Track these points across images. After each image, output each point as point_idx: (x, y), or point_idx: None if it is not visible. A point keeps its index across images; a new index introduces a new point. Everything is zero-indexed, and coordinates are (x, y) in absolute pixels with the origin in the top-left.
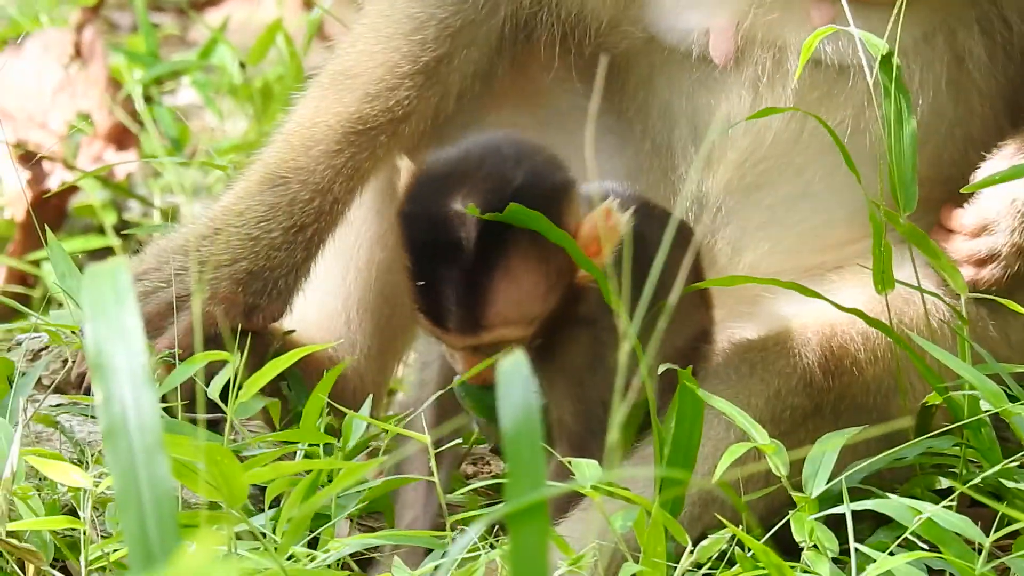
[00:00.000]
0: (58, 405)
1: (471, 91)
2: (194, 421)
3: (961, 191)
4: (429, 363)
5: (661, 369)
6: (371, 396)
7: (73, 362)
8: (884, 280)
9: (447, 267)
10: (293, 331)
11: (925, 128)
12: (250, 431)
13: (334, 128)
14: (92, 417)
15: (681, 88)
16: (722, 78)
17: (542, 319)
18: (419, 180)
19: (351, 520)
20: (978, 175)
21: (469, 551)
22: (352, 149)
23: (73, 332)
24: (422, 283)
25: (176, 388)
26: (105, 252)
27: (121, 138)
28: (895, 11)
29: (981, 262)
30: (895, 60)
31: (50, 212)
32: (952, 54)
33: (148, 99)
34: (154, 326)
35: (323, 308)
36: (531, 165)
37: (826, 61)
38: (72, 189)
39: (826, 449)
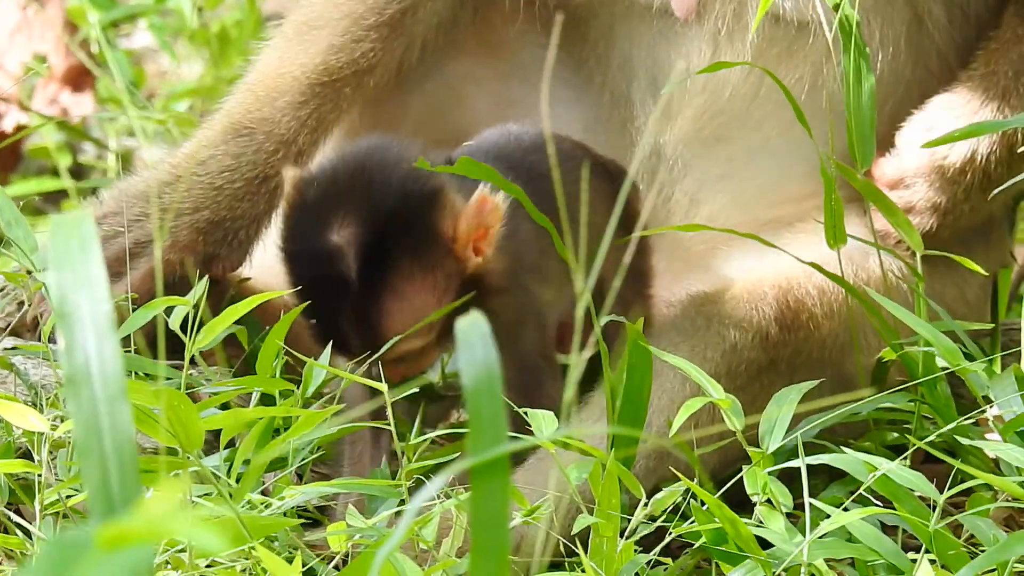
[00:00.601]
0: (13, 348)
1: (434, 42)
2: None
3: (922, 146)
4: None
5: (604, 321)
6: (331, 344)
7: (30, 305)
8: (836, 235)
9: (337, 300)
10: (249, 279)
11: (884, 88)
12: (205, 379)
13: (299, 79)
14: (46, 360)
15: (641, 40)
16: (682, 31)
17: (442, 322)
18: (296, 213)
19: (305, 467)
20: (907, 125)
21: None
22: (317, 101)
23: (29, 273)
24: (315, 319)
25: (130, 335)
26: (60, 194)
27: (77, 80)
28: None
29: None
30: (854, 15)
31: (5, 153)
32: (912, 13)
33: (103, 42)
34: (113, 271)
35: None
36: (399, 180)
37: (785, 17)
38: (27, 130)
39: (782, 405)
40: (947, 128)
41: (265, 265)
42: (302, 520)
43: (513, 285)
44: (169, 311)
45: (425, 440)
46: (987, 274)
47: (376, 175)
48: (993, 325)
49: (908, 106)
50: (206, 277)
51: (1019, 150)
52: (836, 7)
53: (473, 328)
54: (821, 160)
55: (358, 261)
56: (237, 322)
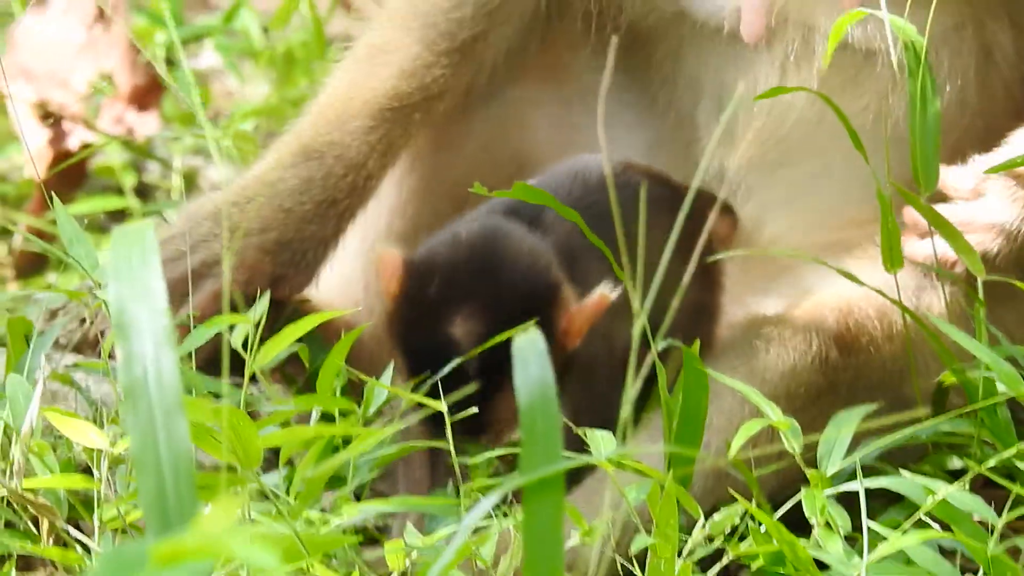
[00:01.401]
0: (74, 364)
1: (502, 68)
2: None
3: (984, 172)
4: None
5: (661, 346)
6: (392, 363)
7: (91, 323)
8: (893, 259)
9: (450, 390)
10: (309, 299)
11: (949, 119)
12: (266, 398)
13: (369, 104)
14: (107, 377)
15: (708, 62)
16: (750, 55)
17: None
18: (415, 303)
19: (364, 486)
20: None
21: (482, 520)
22: (387, 125)
23: (90, 291)
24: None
25: (191, 353)
26: (123, 214)
27: (143, 99)
28: None
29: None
30: (922, 40)
31: (71, 171)
32: (980, 45)
33: (170, 62)
34: (178, 292)
35: (341, 273)
36: (522, 276)
37: (853, 45)
38: (93, 148)
39: (841, 428)
40: None
41: (326, 284)
42: (360, 539)
43: (598, 353)
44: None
45: (488, 459)
46: None
47: (502, 271)
48: None
49: (973, 137)
50: (267, 294)
51: None
52: (903, 35)
53: (529, 346)
54: (877, 184)
55: (479, 361)
56: (299, 340)
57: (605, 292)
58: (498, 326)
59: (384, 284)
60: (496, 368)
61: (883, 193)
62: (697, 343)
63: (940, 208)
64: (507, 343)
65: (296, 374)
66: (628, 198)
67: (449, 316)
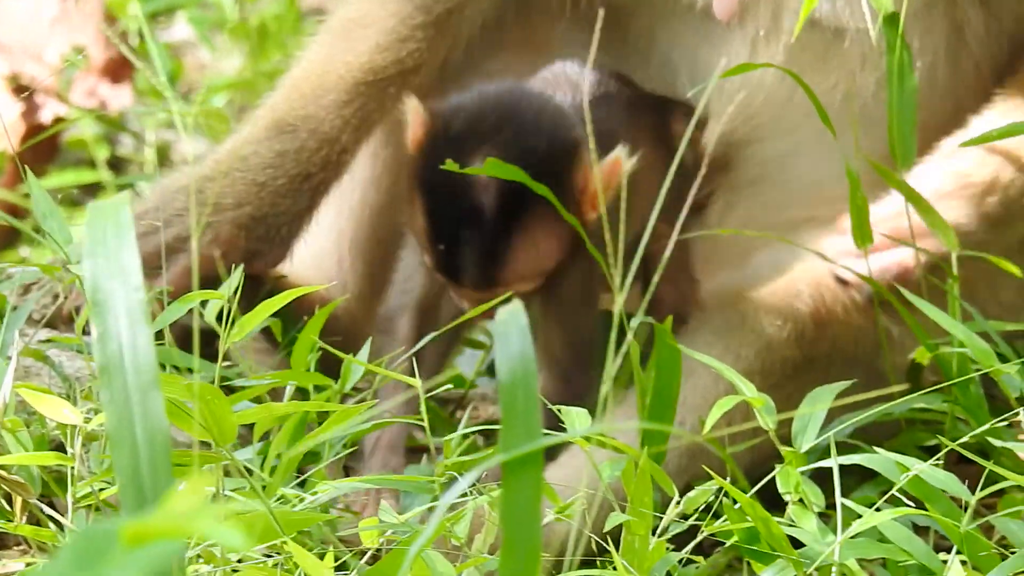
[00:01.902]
0: (47, 340)
1: (478, 42)
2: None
3: (959, 145)
4: (411, 276)
5: (635, 323)
6: (369, 340)
7: (65, 298)
8: (863, 234)
9: (467, 231)
10: (285, 275)
11: (918, 98)
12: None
13: (344, 78)
14: (81, 352)
15: (682, 40)
16: (724, 33)
17: (553, 269)
18: (435, 142)
19: (339, 462)
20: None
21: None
22: (362, 99)
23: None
24: (441, 246)
25: (164, 329)
26: (97, 187)
27: (116, 73)
28: None
29: None
30: (901, 13)
31: (43, 145)
32: (951, 23)
33: (143, 35)
34: (152, 266)
35: (315, 247)
36: (547, 127)
37: (822, 23)
38: (65, 122)
39: (816, 405)
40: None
41: (300, 258)
42: (334, 516)
43: (582, 255)
44: (205, 306)
45: (461, 435)
46: (1021, 275)
47: (526, 119)
48: None
49: (939, 116)
50: (240, 269)
51: None
52: (882, 7)
53: (510, 320)
54: (846, 160)
55: (498, 198)
56: (274, 315)
57: (620, 155)
58: (522, 169)
59: (410, 132)
60: (516, 212)
61: (851, 169)
62: (670, 319)
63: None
64: (526, 187)
65: (271, 350)
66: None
67: (472, 159)
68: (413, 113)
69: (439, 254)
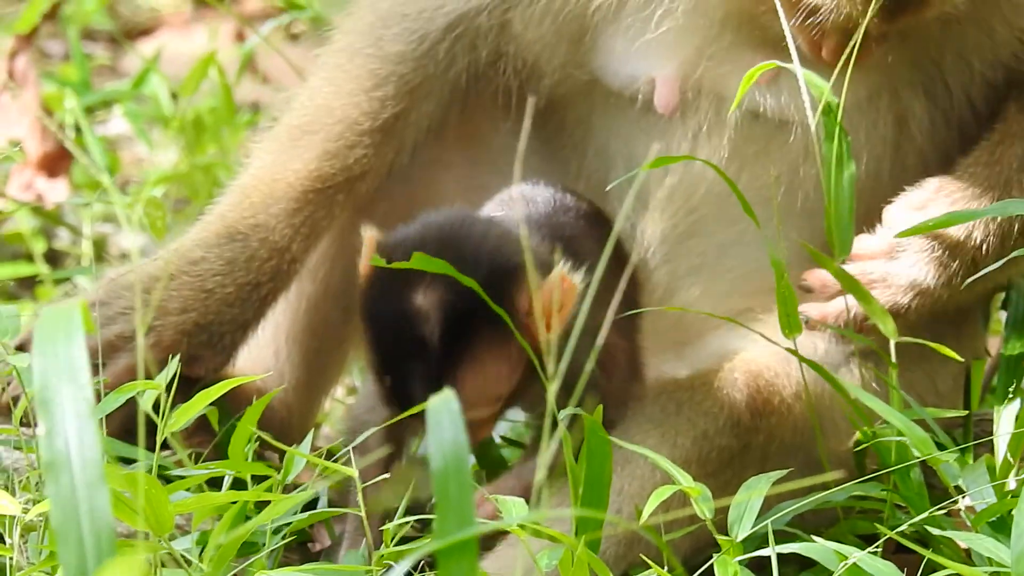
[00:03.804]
0: None
1: (423, 144)
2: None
3: (896, 235)
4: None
5: (563, 414)
6: (311, 431)
7: (3, 389)
8: (791, 323)
9: (414, 362)
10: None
11: (862, 190)
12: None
13: (293, 186)
14: (18, 448)
15: (620, 131)
16: (662, 125)
17: (509, 394)
18: (379, 274)
19: (277, 551)
20: (898, 201)
21: None
22: (310, 208)
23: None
24: (389, 380)
25: (102, 420)
26: (33, 280)
27: (53, 166)
28: (839, 69)
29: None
30: (839, 101)
31: None
32: (895, 115)
33: (79, 129)
34: (92, 360)
35: (252, 339)
36: (488, 254)
37: (766, 115)
38: (2, 215)
39: (751, 494)
40: (941, 210)
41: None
42: None
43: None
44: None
45: (399, 524)
46: (962, 360)
47: (466, 247)
48: (966, 413)
49: (883, 204)
50: (175, 360)
51: (1011, 243)
52: (819, 94)
53: (442, 408)
54: (770, 249)
55: (441, 326)
56: (210, 405)
57: (561, 272)
58: (464, 298)
59: (361, 264)
60: (461, 340)
61: (776, 259)
62: (600, 410)
63: (856, 266)
64: (469, 315)
65: (207, 440)
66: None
67: (414, 287)
68: (367, 243)
69: (388, 388)
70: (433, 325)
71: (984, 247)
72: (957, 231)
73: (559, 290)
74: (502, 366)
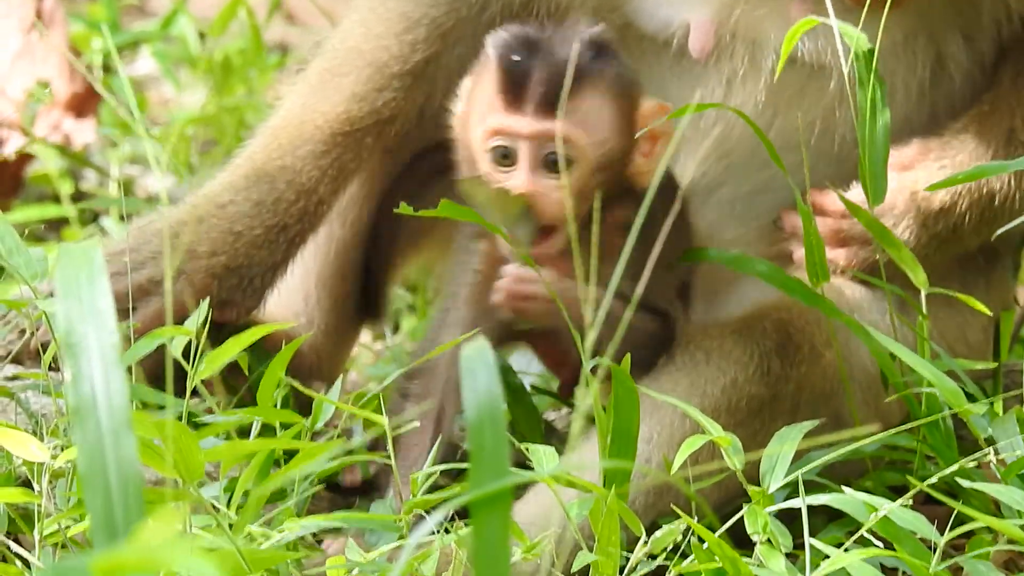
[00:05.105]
0: (13, 377)
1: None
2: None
3: (925, 189)
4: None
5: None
6: (340, 378)
7: (32, 334)
8: (819, 272)
9: (544, 58)
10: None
11: (895, 132)
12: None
13: (321, 128)
14: (46, 393)
15: (653, 76)
16: (697, 70)
17: (588, 206)
18: (527, 33)
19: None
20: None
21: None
22: (338, 150)
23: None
24: (516, 60)
25: (131, 366)
26: (61, 222)
27: (80, 106)
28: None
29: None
30: (873, 49)
31: (6, 179)
32: (935, 55)
33: (107, 69)
34: (123, 306)
35: (282, 283)
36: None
37: (802, 60)
38: (29, 157)
39: (783, 446)
40: (929, 171)
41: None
42: (302, 553)
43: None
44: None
45: (426, 473)
46: (990, 313)
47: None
48: (996, 365)
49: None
50: (206, 303)
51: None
52: (854, 44)
53: (477, 358)
54: (797, 197)
55: (584, 45)
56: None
57: (660, 102)
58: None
59: None
60: (587, 75)
61: (804, 207)
62: (627, 360)
63: (832, 223)
64: (604, 72)
65: (240, 384)
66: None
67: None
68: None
69: (508, 72)
70: (576, 43)
71: (967, 217)
72: (942, 196)
73: (657, 113)
74: (611, 116)
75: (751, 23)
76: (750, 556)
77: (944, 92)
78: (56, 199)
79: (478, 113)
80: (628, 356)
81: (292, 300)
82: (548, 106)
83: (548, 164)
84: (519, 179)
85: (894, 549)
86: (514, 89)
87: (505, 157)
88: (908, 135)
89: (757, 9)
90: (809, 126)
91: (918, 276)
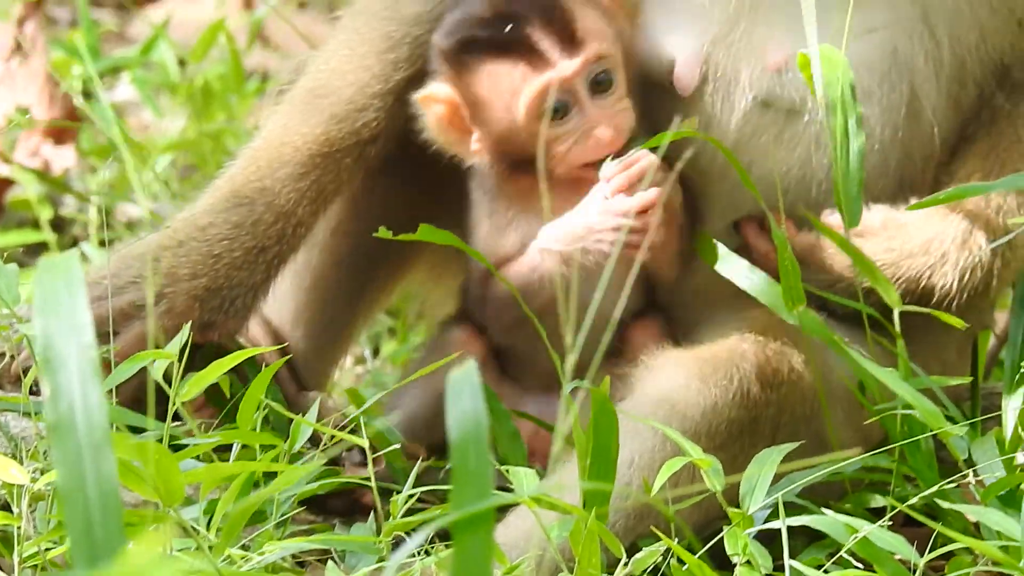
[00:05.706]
0: None
1: None
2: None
3: (906, 208)
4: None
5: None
6: (318, 399)
7: (12, 356)
8: (793, 296)
9: (525, 11)
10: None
11: (871, 169)
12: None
13: (300, 150)
14: (26, 415)
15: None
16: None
17: (627, 66)
18: None
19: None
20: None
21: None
22: (317, 172)
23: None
24: (511, 25)
25: (113, 390)
26: (41, 247)
27: (60, 133)
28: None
29: None
30: (848, 76)
31: None
32: (911, 95)
33: (87, 95)
34: (104, 331)
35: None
36: None
37: (780, 100)
38: (9, 182)
39: (763, 468)
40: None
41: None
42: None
43: None
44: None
45: (406, 495)
46: (964, 326)
47: None
48: (972, 379)
49: (891, 188)
50: (187, 328)
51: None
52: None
53: (463, 380)
54: (771, 222)
55: None
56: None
57: None
58: None
59: None
60: None
61: (779, 233)
62: (607, 382)
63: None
64: None
65: (220, 408)
66: None
67: None
68: None
69: (511, 39)
70: None
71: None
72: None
73: None
74: (602, 13)
75: (728, 62)
76: None
77: (916, 138)
78: (36, 225)
79: (507, 93)
80: (607, 380)
81: (280, 321)
82: (567, 41)
83: (596, 88)
84: (596, 114)
85: (874, 570)
86: (528, 50)
87: (556, 111)
88: (883, 175)
89: (734, 47)
90: (788, 173)
91: (891, 296)
